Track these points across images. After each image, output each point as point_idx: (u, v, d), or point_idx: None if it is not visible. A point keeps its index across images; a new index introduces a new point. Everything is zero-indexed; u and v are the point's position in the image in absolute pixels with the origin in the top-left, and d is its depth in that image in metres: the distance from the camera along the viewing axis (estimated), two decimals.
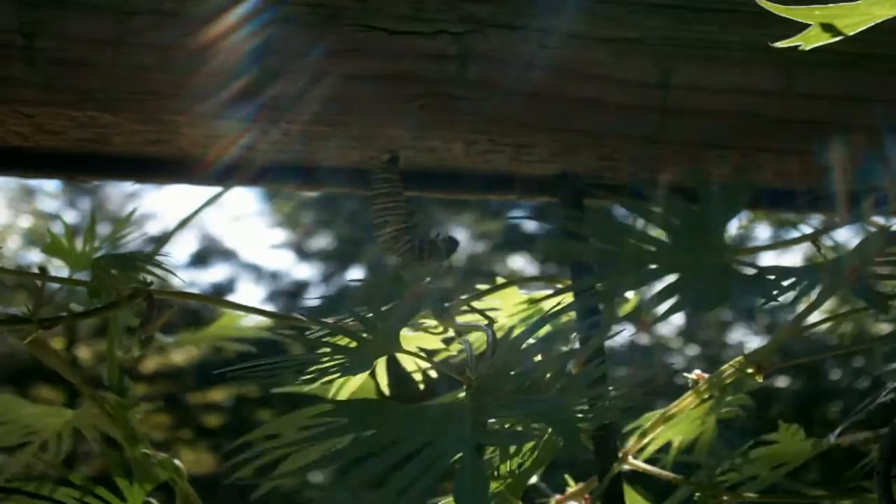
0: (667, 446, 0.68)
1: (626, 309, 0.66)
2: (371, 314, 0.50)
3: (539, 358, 0.44)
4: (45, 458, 0.68)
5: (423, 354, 0.62)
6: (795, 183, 0.64)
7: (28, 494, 0.60)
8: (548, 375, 0.44)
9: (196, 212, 0.70)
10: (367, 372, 0.65)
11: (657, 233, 0.52)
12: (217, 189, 0.68)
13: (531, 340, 0.47)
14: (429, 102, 0.56)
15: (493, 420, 0.42)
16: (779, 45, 0.45)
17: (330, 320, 0.54)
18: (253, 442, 0.71)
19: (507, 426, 0.49)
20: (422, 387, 0.71)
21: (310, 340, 0.50)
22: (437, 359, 0.67)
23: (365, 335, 0.49)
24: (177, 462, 0.65)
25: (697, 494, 0.64)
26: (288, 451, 0.69)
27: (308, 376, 0.48)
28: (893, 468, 0.52)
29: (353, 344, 0.48)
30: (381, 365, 0.69)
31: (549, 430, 0.48)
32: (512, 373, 0.42)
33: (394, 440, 0.39)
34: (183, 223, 0.70)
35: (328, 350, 0.48)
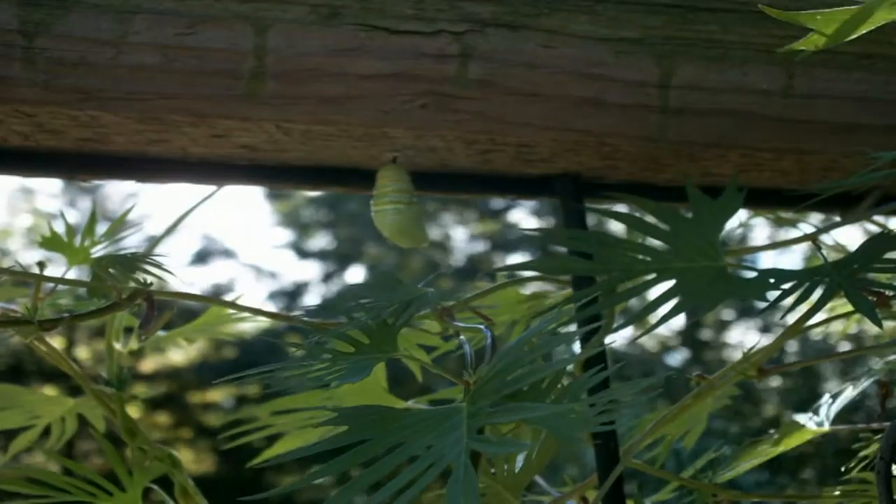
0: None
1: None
2: (370, 318, 0.50)
3: (538, 362, 0.44)
4: (49, 442, 0.68)
5: (422, 359, 0.61)
6: (795, 183, 0.64)
7: (30, 480, 0.60)
8: (546, 380, 0.44)
9: (188, 212, 0.70)
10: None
11: (652, 241, 0.52)
12: (216, 189, 0.68)
13: (531, 341, 0.47)
14: (429, 102, 0.56)
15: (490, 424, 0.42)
16: (783, 50, 0.45)
17: (329, 322, 0.54)
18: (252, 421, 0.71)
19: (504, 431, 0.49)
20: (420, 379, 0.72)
21: (309, 348, 0.50)
22: (436, 353, 0.67)
23: (364, 340, 0.49)
24: (174, 454, 0.65)
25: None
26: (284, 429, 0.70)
27: (307, 377, 0.48)
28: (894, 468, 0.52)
29: (352, 349, 0.48)
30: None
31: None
32: (510, 377, 0.42)
33: (393, 445, 0.39)
34: (176, 223, 0.70)
35: (328, 357, 0.48)
